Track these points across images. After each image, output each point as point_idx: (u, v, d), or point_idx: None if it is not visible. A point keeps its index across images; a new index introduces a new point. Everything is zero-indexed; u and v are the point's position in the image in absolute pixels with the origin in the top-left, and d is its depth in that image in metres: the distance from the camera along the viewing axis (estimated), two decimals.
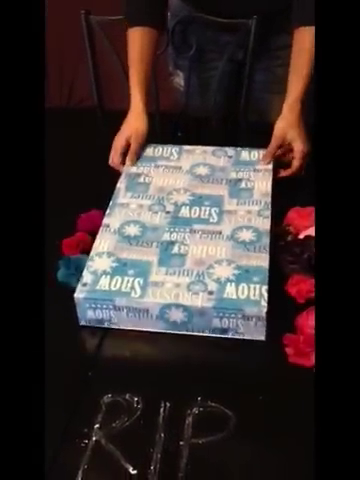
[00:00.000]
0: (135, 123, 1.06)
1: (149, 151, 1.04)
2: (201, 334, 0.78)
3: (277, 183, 0.96)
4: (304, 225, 0.91)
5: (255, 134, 1.14)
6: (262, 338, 0.77)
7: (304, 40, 1.00)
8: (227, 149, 1.03)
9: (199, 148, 1.03)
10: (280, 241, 0.87)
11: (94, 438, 0.67)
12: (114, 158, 1.03)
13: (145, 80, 1.09)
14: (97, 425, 0.68)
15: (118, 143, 1.04)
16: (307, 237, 0.88)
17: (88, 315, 0.79)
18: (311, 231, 0.90)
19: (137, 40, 1.09)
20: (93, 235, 0.88)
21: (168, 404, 0.70)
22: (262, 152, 1.01)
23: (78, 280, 0.80)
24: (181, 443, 0.66)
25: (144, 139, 1.05)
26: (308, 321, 0.76)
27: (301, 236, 0.89)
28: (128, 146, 1.03)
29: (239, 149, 1.03)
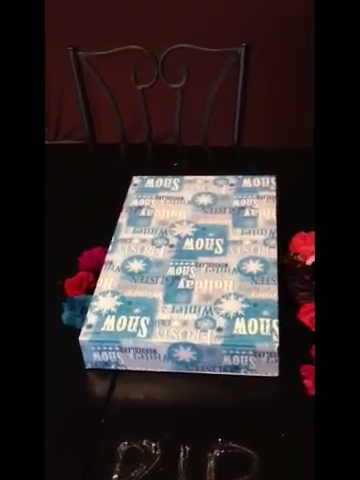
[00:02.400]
0: None
1: (149, 182, 1.02)
2: (212, 373, 0.75)
3: (280, 209, 0.95)
4: (310, 251, 0.89)
5: (250, 161, 1.14)
6: (275, 374, 0.74)
7: None
8: (229, 177, 1.02)
9: (200, 178, 1.02)
10: (288, 270, 0.85)
11: None
12: None
13: None
14: (115, 475, 0.64)
15: None
16: (315, 263, 0.87)
17: (94, 358, 0.76)
18: None
19: None
20: (96, 273, 0.86)
21: (187, 448, 0.67)
22: (263, 179, 1.00)
23: (83, 321, 0.78)
24: None
25: None
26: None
27: (309, 262, 0.87)
28: None
29: (241, 177, 1.01)
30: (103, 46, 1.21)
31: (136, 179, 1.04)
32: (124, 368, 0.77)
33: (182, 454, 0.66)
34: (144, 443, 0.68)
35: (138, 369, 0.77)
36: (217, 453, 0.66)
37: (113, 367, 0.77)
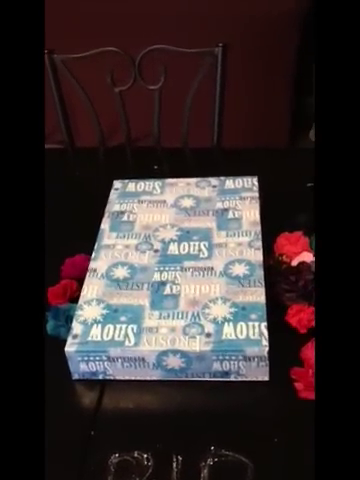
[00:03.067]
0: None
1: (131, 186, 1.01)
2: (202, 379, 0.74)
3: (263, 209, 0.94)
4: (295, 251, 0.89)
5: (231, 162, 1.13)
6: (266, 378, 0.74)
7: None
8: (211, 179, 1.00)
9: (182, 180, 1.00)
10: (274, 271, 0.85)
11: None
12: None
13: None
14: None
15: None
16: (300, 263, 0.86)
17: (81, 368, 0.75)
18: (303, 257, 0.88)
19: None
20: (80, 281, 0.84)
21: (180, 457, 0.66)
22: (245, 180, 1.00)
23: (69, 331, 0.76)
24: None
25: None
26: (314, 353, 0.73)
27: (294, 263, 0.87)
28: None
29: (223, 178, 1.00)
30: (79, 49, 1.19)
31: (117, 183, 1.02)
32: (112, 378, 0.75)
33: (175, 464, 0.65)
34: (136, 454, 0.66)
35: (127, 378, 0.75)
36: (210, 462, 0.65)
37: (101, 377, 0.75)
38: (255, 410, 0.72)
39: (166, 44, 1.15)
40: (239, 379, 0.74)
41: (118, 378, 0.75)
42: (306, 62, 1.57)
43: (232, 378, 0.74)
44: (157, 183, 1.01)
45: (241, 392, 0.74)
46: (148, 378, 0.75)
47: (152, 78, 1.19)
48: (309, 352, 0.74)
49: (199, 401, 0.74)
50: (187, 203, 0.96)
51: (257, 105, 1.59)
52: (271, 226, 0.91)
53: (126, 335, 0.74)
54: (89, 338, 0.74)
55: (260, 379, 0.74)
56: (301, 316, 0.79)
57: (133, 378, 0.75)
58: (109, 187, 1.02)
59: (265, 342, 0.72)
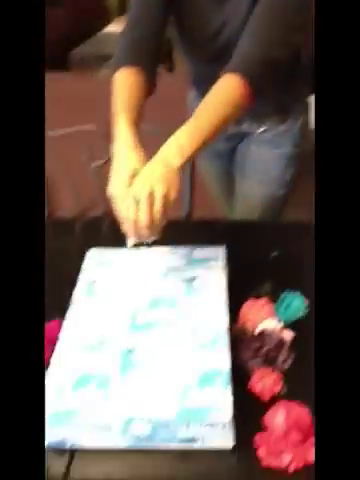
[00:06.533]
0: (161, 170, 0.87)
1: (105, 255, 1.05)
2: (169, 447, 0.76)
3: (231, 275, 0.99)
4: (260, 317, 0.93)
5: (200, 233, 1.18)
6: (229, 445, 0.75)
7: (225, 86, 0.95)
8: (180, 248, 1.06)
9: (154, 249, 1.05)
10: (238, 339, 0.88)
11: None
12: (144, 212, 0.84)
13: (135, 125, 0.95)
14: None
15: (143, 192, 0.84)
16: (263, 331, 0.90)
17: (50, 436, 0.76)
18: (266, 323, 0.92)
19: (125, 82, 1.00)
20: (53, 347, 0.86)
21: None
22: (213, 249, 1.04)
23: None
24: None
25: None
26: (276, 418, 0.76)
27: (257, 330, 0.90)
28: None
29: (192, 247, 1.06)
30: (63, 124, 1.26)
31: (92, 252, 1.07)
32: (81, 446, 0.76)
33: None
34: None
35: (95, 446, 0.76)
36: None
37: (69, 446, 0.76)
38: (220, 478, 0.73)
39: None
40: (204, 446, 0.75)
41: (87, 447, 0.76)
42: None
43: (199, 445, 0.76)
44: (130, 252, 1.05)
45: (206, 460, 0.75)
46: (116, 446, 0.76)
47: None
48: (271, 418, 0.77)
49: (166, 469, 0.75)
50: (158, 271, 1.00)
51: None
52: (237, 293, 0.95)
53: (94, 402, 0.76)
54: (58, 404, 0.76)
55: (224, 446, 0.75)
56: (265, 382, 0.82)
57: (101, 446, 0.76)
58: (84, 256, 1.06)
59: (229, 408, 0.74)
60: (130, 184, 0.87)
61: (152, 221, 0.85)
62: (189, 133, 0.90)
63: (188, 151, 0.89)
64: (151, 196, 0.84)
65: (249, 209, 1.33)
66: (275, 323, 0.91)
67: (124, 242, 0.93)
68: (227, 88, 0.95)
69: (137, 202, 0.84)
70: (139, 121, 0.98)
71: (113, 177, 0.90)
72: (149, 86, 1.05)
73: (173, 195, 0.86)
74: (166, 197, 0.85)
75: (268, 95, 0.97)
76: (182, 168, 0.89)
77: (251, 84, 0.94)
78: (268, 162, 1.26)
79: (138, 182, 0.87)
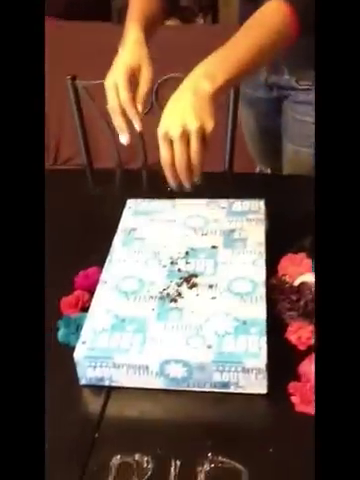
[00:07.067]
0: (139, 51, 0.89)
1: (143, 205, 1.06)
2: (203, 390, 0.77)
3: (270, 229, 0.98)
4: (298, 272, 0.92)
5: (240, 186, 1.18)
6: (264, 391, 0.76)
7: (268, 11, 0.87)
8: (220, 201, 1.05)
9: (192, 201, 1.05)
10: (277, 290, 0.88)
11: None
12: (122, 94, 0.87)
13: (147, 32, 0.92)
14: None
15: (121, 76, 0.87)
16: (302, 283, 0.89)
17: (88, 374, 0.79)
18: (305, 277, 0.91)
19: None
20: (92, 292, 0.88)
21: (178, 462, 0.69)
22: (252, 202, 1.04)
23: (78, 339, 0.80)
24: None
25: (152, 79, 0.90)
26: (312, 368, 0.76)
27: (296, 283, 0.90)
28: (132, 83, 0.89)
29: (231, 200, 1.05)
30: (101, 75, 1.26)
31: (130, 202, 1.07)
32: (118, 384, 0.79)
33: (173, 468, 0.68)
34: (136, 457, 0.69)
35: (131, 386, 0.79)
36: (207, 467, 0.68)
37: (107, 383, 0.79)
38: (252, 421, 0.75)
39: (181, 72, 1.21)
40: (238, 391, 0.77)
41: (123, 385, 0.79)
42: None
43: (232, 389, 0.77)
44: (168, 203, 1.06)
45: (240, 403, 0.77)
46: (151, 386, 0.78)
47: None
48: (307, 368, 0.77)
49: (199, 411, 0.77)
50: (196, 223, 1.00)
51: None
52: (276, 247, 0.95)
53: (131, 343, 0.78)
54: (97, 345, 0.78)
55: (258, 392, 0.77)
56: (300, 333, 0.82)
57: (137, 386, 0.79)
58: (124, 206, 1.07)
59: (264, 355, 0.75)
60: (126, 78, 0.87)
61: (190, 162, 0.78)
62: (223, 57, 0.81)
63: (221, 77, 0.79)
64: (184, 134, 0.77)
65: (295, 172, 1.29)
66: (313, 278, 0.91)
67: (163, 191, 0.94)
68: (270, 12, 0.86)
69: (170, 142, 0.78)
70: (152, 32, 0.95)
71: (111, 70, 0.90)
72: (168, 6, 1.01)
73: (209, 127, 0.77)
74: (201, 131, 0.77)
75: (312, 34, 0.93)
76: (216, 96, 0.79)
77: (297, 12, 0.86)
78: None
79: (167, 116, 0.79)
